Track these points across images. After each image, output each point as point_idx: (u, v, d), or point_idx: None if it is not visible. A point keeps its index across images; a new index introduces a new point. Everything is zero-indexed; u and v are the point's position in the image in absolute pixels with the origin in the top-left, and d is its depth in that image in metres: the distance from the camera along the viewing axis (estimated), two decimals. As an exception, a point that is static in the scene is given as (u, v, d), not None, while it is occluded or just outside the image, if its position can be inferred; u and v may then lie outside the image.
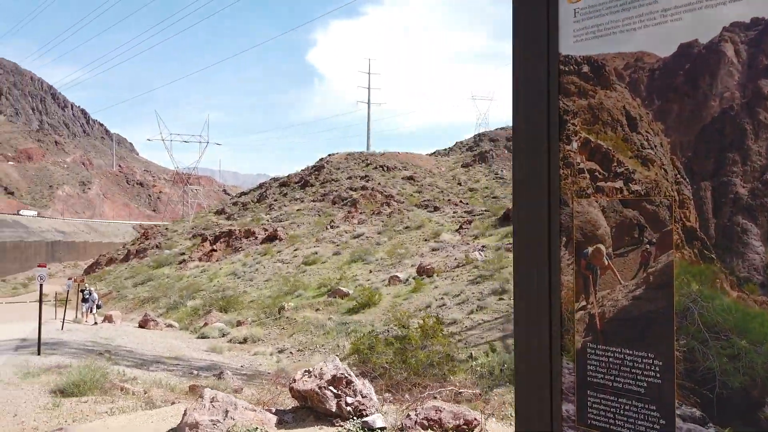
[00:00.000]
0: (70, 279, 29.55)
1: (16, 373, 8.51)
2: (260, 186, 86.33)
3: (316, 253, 28.84)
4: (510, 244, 23.19)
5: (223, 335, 18.69)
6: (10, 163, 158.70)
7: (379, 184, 54.56)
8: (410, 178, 58.53)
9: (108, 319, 20.64)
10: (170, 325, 21.06)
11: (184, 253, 37.16)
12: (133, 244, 77.01)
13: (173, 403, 6.42)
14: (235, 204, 78.73)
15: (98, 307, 24.69)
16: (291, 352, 16.28)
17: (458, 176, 61.23)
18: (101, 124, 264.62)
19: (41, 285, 12.24)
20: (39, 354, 11.35)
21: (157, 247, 64.14)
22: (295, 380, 5.49)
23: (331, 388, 5.24)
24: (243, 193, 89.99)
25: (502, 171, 60.06)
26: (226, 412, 4.91)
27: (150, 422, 5.27)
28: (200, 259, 34.30)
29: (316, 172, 70.47)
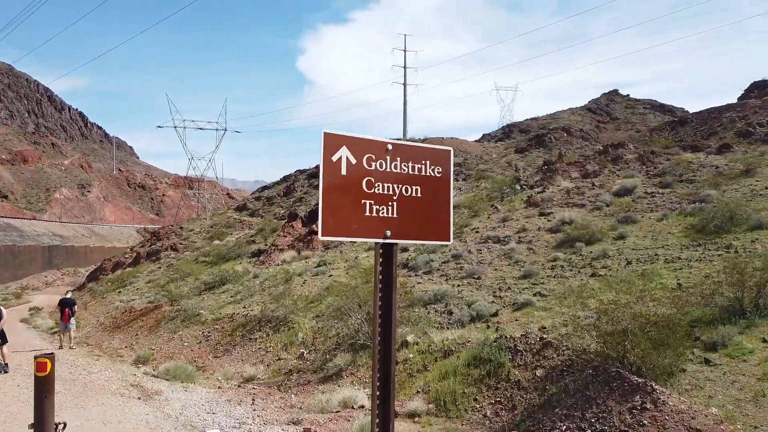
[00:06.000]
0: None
1: None
2: (284, 179, 77.42)
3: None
4: None
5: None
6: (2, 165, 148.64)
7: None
8: (462, 164, 49.00)
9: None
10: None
11: (253, 241, 25.58)
12: (142, 247, 67.49)
13: None
14: (258, 199, 72.26)
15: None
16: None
17: (514, 162, 51.89)
18: (100, 128, 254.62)
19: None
20: None
21: (171, 248, 55.17)
22: None
23: None
24: (265, 188, 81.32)
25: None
26: None
27: None
28: (293, 248, 22.87)
29: (351, 163, 61.88)
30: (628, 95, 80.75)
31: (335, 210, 2.94)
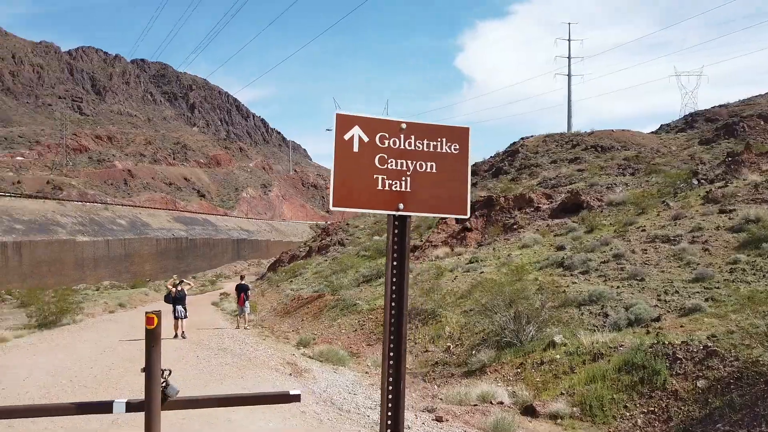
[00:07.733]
0: None
1: None
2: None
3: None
4: None
5: None
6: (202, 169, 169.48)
7: (594, 166, 42.74)
8: (635, 158, 44.38)
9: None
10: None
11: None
12: (314, 241, 72.44)
13: None
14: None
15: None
16: None
17: (698, 155, 45.27)
18: (278, 132, 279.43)
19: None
20: None
21: (339, 243, 58.38)
22: None
23: None
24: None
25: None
26: None
27: None
28: (446, 244, 23.40)
29: (510, 158, 59.99)
30: None
31: (346, 184, 3.12)
